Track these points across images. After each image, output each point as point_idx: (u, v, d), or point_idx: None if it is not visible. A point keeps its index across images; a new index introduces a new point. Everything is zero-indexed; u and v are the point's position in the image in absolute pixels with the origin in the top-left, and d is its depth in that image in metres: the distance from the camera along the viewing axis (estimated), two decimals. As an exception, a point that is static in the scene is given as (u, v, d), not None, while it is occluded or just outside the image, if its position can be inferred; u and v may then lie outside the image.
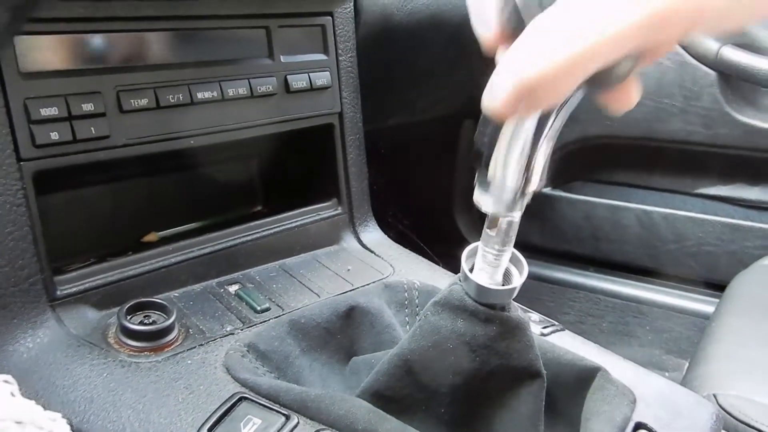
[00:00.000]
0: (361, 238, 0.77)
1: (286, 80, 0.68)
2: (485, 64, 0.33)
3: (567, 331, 0.59)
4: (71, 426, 0.42)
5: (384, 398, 0.44)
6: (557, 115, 0.33)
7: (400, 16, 0.86)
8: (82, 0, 0.53)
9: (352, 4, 0.76)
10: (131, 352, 0.51)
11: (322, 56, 0.73)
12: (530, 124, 0.33)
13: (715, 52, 1.10)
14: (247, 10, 0.65)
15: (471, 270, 0.41)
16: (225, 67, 0.64)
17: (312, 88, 0.71)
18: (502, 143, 0.34)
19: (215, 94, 0.62)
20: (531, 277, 0.41)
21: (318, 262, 0.70)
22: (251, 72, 0.65)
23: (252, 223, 0.69)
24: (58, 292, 0.54)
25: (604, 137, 1.22)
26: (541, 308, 0.62)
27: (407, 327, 0.61)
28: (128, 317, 0.53)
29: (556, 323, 0.59)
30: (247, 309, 0.59)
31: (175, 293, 0.61)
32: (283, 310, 0.59)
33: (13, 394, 0.40)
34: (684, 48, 1.13)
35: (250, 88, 0.65)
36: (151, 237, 0.69)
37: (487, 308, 0.41)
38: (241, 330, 0.55)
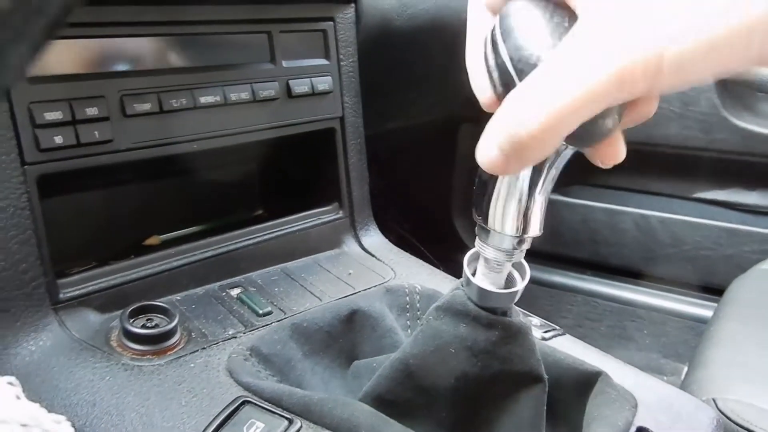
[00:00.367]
0: (362, 242, 0.77)
1: (287, 85, 0.69)
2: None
3: (568, 335, 0.59)
4: (75, 429, 0.42)
5: (386, 402, 0.45)
6: (551, 167, 0.35)
7: (399, 21, 0.86)
8: (86, 5, 0.53)
9: (353, 9, 0.76)
10: (134, 356, 0.51)
11: (323, 61, 0.73)
12: (525, 177, 0.35)
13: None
14: (249, 16, 0.66)
15: (473, 274, 0.41)
16: (227, 72, 0.64)
17: (314, 93, 0.71)
18: (499, 194, 0.36)
19: (218, 98, 0.62)
20: (529, 280, 0.41)
21: (319, 266, 0.70)
22: (253, 77, 0.66)
23: (254, 227, 0.69)
24: (61, 296, 0.55)
25: (602, 142, 1.22)
26: (539, 312, 0.62)
27: (408, 331, 0.61)
28: (131, 320, 0.53)
29: (557, 327, 0.60)
30: (249, 313, 0.59)
31: (177, 297, 0.61)
32: (285, 313, 0.59)
33: (17, 397, 0.40)
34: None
35: (253, 92, 0.65)
36: (154, 240, 0.69)
37: (489, 313, 0.41)
38: (244, 334, 0.55)
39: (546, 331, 0.58)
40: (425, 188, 1.50)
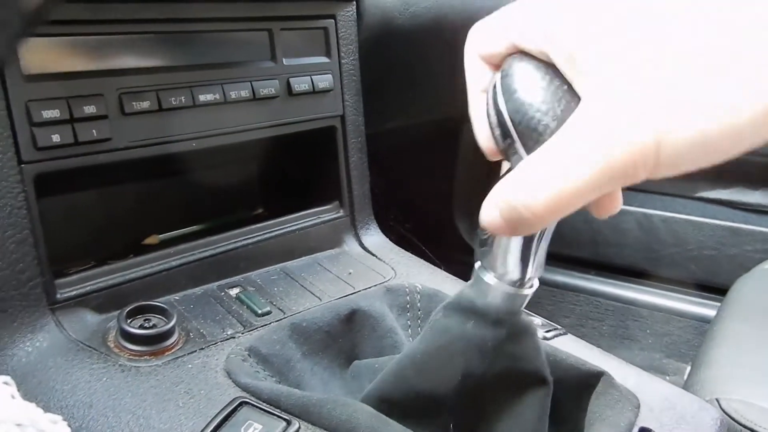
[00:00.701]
0: (363, 241, 0.76)
1: (288, 83, 0.68)
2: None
3: (570, 335, 0.59)
4: (71, 430, 0.42)
5: (389, 402, 0.44)
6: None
7: (401, 20, 0.86)
8: (84, 2, 0.53)
9: (354, 6, 0.76)
10: (131, 356, 0.51)
11: (324, 59, 0.73)
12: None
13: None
14: (249, 13, 0.65)
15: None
16: (227, 70, 0.63)
17: (314, 91, 0.70)
18: (501, 242, 0.38)
19: (217, 96, 0.62)
20: None
21: (319, 265, 0.70)
22: (253, 75, 0.65)
23: (253, 226, 0.69)
24: (58, 296, 0.54)
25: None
26: (542, 311, 0.62)
27: (409, 331, 0.61)
28: (128, 321, 0.52)
29: (559, 327, 0.59)
30: (248, 312, 0.58)
31: (175, 297, 0.60)
32: (284, 313, 0.58)
33: (13, 396, 0.40)
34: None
35: (252, 90, 0.64)
36: (152, 239, 0.68)
37: (497, 311, 0.41)
38: (242, 334, 0.55)
39: (548, 331, 0.58)
40: (426, 187, 1.49)
